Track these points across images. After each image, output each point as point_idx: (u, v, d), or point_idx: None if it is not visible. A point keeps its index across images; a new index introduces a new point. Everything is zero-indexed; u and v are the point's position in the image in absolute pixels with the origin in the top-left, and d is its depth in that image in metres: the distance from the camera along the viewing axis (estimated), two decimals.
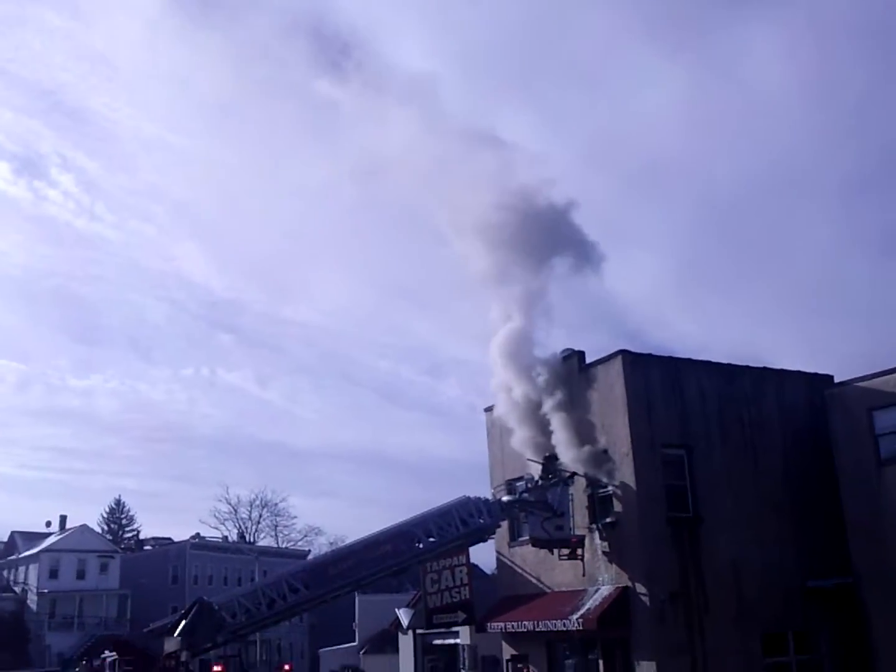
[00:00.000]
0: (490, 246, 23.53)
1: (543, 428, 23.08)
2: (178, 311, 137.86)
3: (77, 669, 28.71)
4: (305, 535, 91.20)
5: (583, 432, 22.60)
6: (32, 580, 68.32)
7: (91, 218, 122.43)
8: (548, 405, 22.92)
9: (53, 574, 68.06)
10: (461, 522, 22.92)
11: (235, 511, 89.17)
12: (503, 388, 24.13)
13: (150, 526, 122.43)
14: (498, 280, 23.86)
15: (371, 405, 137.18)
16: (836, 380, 24.18)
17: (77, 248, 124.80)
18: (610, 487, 22.14)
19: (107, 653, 27.59)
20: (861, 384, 22.28)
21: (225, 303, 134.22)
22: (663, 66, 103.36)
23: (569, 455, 22.55)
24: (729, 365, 24.00)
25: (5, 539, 78.05)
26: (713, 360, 24.04)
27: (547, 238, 23.48)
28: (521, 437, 23.71)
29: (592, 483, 22.57)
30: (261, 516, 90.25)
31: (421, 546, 22.94)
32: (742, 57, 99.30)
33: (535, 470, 23.11)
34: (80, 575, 68.84)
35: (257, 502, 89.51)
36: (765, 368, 24.56)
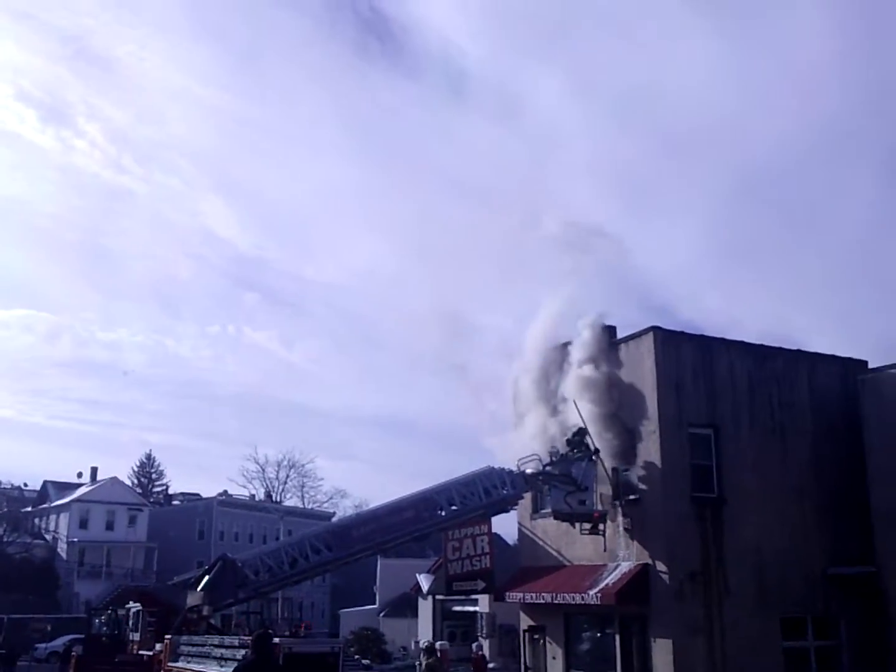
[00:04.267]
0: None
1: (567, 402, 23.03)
2: (203, 267, 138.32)
3: (102, 618, 29.31)
4: (331, 498, 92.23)
5: (609, 408, 22.51)
6: (63, 529, 69.65)
7: (118, 169, 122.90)
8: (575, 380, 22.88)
9: (83, 524, 69.33)
10: (484, 492, 23.02)
11: (263, 470, 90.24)
12: (528, 361, 24.17)
13: (178, 481, 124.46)
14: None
15: (394, 369, 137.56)
16: (871, 365, 23.85)
17: (104, 200, 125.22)
18: (634, 465, 22.05)
19: (132, 603, 27.98)
20: None
21: (250, 260, 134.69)
22: (701, 23, 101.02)
23: (594, 431, 22.48)
24: (761, 346, 23.72)
25: (38, 488, 79.54)
26: (744, 339, 23.82)
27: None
28: (543, 411, 23.69)
29: (616, 461, 22.52)
30: (288, 477, 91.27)
31: (443, 514, 23.08)
32: (785, 15, 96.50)
33: (560, 444, 23.08)
34: (110, 526, 70.04)
35: (285, 463, 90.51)
36: (798, 351, 24.25)
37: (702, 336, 23.24)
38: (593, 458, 22.59)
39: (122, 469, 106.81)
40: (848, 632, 22.48)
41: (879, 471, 21.82)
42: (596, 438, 22.55)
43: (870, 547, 21.78)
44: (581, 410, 22.44)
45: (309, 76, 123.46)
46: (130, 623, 27.18)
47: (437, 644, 37.47)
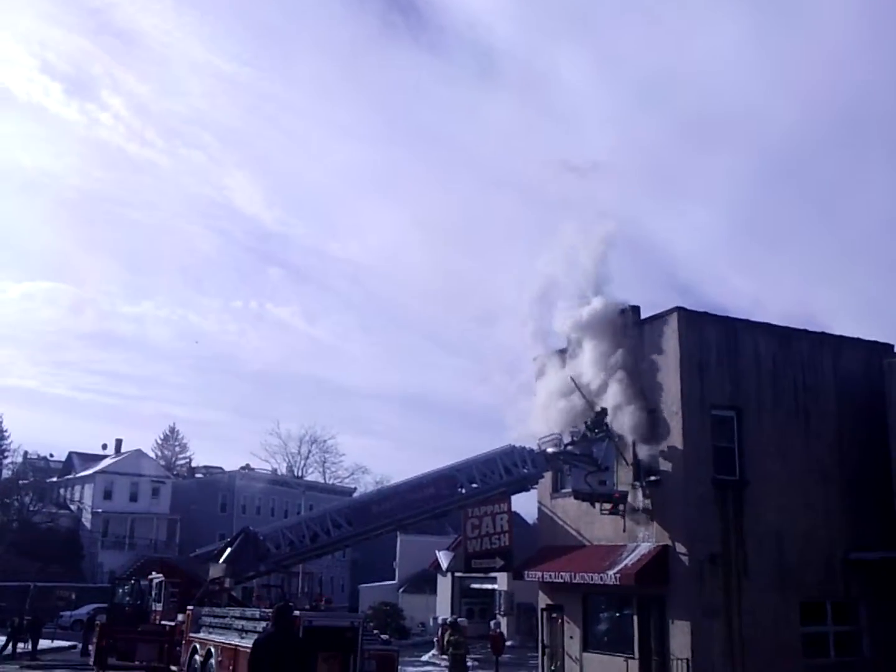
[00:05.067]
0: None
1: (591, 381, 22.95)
2: (227, 241, 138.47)
3: (125, 588, 29.64)
4: (352, 473, 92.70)
5: (632, 388, 22.43)
6: (87, 500, 70.56)
7: (142, 143, 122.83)
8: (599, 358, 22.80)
9: (108, 495, 70.21)
10: (505, 471, 23.06)
11: (285, 445, 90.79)
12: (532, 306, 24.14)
13: (201, 454, 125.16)
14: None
15: (417, 348, 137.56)
16: None
17: (129, 173, 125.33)
18: (656, 446, 21.98)
19: (154, 574, 28.28)
20: None
21: (274, 236, 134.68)
22: (726, 5, 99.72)
23: (616, 411, 22.41)
24: (786, 328, 23.50)
25: (63, 459, 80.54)
26: (768, 321, 23.60)
27: None
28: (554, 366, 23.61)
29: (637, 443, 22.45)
30: (310, 452, 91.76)
31: (463, 491, 23.16)
32: None
33: (570, 407, 23.05)
34: (133, 497, 70.90)
35: (307, 438, 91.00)
36: (823, 333, 24.03)
37: (726, 317, 23.08)
38: (614, 438, 22.51)
39: (145, 441, 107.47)
40: (868, 617, 22.41)
41: None
42: (618, 420, 22.34)
43: (892, 532, 21.65)
44: (584, 350, 22.30)
45: (333, 53, 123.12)
46: (153, 593, 27.44)
47: (458, 620, 37.71)
